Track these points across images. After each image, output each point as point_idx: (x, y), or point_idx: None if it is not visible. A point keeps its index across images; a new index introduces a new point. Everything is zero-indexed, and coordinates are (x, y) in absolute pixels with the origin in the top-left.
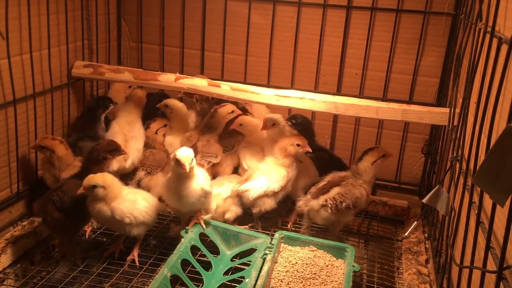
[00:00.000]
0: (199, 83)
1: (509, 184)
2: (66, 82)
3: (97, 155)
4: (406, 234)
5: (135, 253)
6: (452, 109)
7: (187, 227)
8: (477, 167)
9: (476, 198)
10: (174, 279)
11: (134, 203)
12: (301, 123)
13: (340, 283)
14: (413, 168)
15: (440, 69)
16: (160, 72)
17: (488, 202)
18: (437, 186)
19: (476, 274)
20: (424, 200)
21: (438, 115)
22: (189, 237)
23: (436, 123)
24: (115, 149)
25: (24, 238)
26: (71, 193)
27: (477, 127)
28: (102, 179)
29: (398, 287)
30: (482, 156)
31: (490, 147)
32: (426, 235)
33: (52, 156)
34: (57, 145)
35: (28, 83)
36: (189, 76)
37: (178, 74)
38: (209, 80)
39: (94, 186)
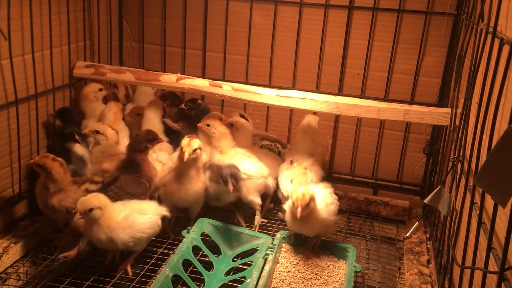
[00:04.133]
0: (201, 84)
1: (510, 185)
2: (68, 83)
3: (139, 145)
4: (407, 235)
5: (128, 264)
6: (454, 109)
7: (188, 227)
8: (479, 168)
9: (477, 199)
10: (176, 279)
11: (134, 225)
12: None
13: (341, 283)
14: (414, 169)
15: (441, 69)
16: (161, 73)
17: (489, 202)
18: (439, 186)
19: (478, 274)
20: (426, 201)
21: (440, 115)
22: (191, 237)
23: (437, 123)
24: (154, 138)
25: (26, 238)
26: (127, 190)
27: (479, 128)
28: (97, 199)
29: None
30: (483, 157)
31: (492, 147)
32: (428, 235)
33: (48, 177)
34: (56, 167)
35: (30, 83)
36: (191, 77)
37: (179, 75)
38: (210, 80)
39: (91, 209)
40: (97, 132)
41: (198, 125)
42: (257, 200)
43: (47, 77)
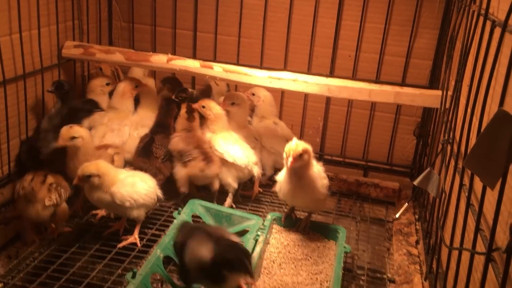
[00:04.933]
0: (191, 65)
1: (499, 167)
2: (57, 63)
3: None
4: (397, 216)
5: (135, 235)
6: (445, 91)
7: (179, 208)
8: (468, 150)
9: (466, 181)
10: (167, 260)
11: (134, 186)
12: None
13: (331, 264)
14: (404, 150)
15: (433, 51)
16: (151, 53)
17: (478, 184)
18: (428, 168)
19: (466, 255)
20: (415, 182)
21: (431, 97)
22: (182, 218)
23: (428, 105)
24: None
25: (16, 219)
26: (166, 146)
27: (469, 110)
28: (96, 167)
29: (388, 268)
30: (473, 139)
31: (482, 130)
32: (417, 216)
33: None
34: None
35: (18, 63)
36: (181, 57)
37: (170, 55)
38: (201, 61)
39: (89, 176)
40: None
41: (193, 106)
42: (234, 184)
43: (35, 57)
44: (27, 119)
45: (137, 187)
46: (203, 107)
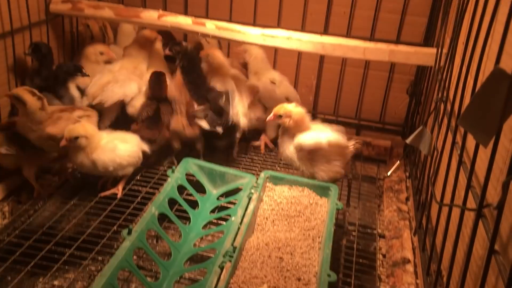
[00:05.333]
0: (183, 21)
1: (493, 125)
2: (45, 19)
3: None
4: (388, 174)
5: (120, 187)
6: (440, 49)
7: (173, 167)
8: (462, 109)
9: (459, 139)
10: (162, 218)
11: (114, 151)
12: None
13: (323, 220)
14: (397, 109)
15: (429, 7)
16: (142, 9)
17: (470, 143)
18: (421, 127)
19: (455, 212)
20: (408, 141)
21: (425, 56)
22: (176, 176)
23: (423, 64)
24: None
25: (9, 177)
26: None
27: (464, 69)
28: (84, 129)
29: (379, 224)
30: (467, 98)
31: (477, 88)
32: (407, 174)
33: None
34: (33, 101)
35: (5, 19)
36: (173, 14)
37: (161, 11)
38: (193, 18)
39: (76, 137)
40: (17, 98)
41: (201, 54)
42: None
43: (23, 13)
44: (16, 77)
45: (118, 150)
46: (208, 56)
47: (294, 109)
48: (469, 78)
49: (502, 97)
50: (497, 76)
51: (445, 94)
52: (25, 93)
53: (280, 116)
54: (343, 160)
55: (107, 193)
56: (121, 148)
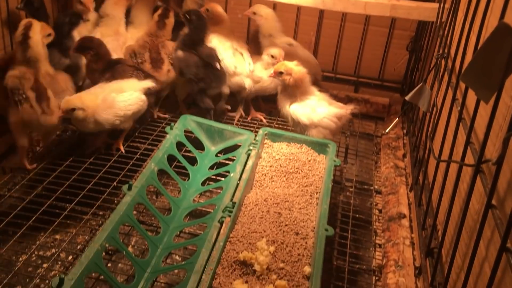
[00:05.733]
0: None
1: (496, 81)
2: None
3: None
4: (387, 131)
5: (119, 141)
6: (442, 4)
7: (172, 124)
8: (464, 65)
9: (459, 96)
10: (161, 174)
11: (114, 105)
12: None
13: (321, 176)
14: (396, 66)
15: None
16: None
17: (470, 99)
18: (421, 83)
19: (453, 168)
20: (407, 98)
21: (427, 10)
22: (174, 133)
23: (424, 19)
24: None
25: (8, 133)
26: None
27: (467, 24)
28: (80, 101)
29: (375, 180)
30: (469, 55)
31: (480, 44)
32: (405, 131)
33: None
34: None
35: None
36: None
37: None
38: None
39: (73, 109)
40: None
41: (200, 10)
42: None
43: None
44: (11, 33)
45: (117, 103)
46: (207, 10)
47: (295, 68)
48: (472, 34)
49: (506, 53)
50: (501, 31)
51: (446, 50)
52: None
53: (280, 73)
54: (338, 126)
55: (115, 146)
56: (119, 100)
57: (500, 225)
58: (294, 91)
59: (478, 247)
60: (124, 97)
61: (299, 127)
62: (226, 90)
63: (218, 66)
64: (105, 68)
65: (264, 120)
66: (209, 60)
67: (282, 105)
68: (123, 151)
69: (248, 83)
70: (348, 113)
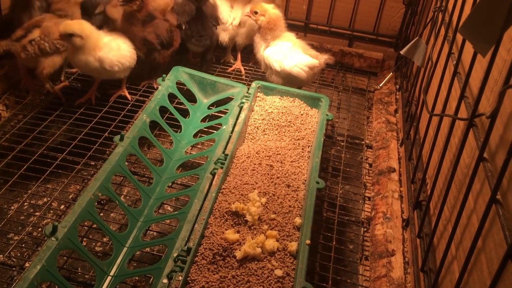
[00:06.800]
0: None
1: (495, 35)
2: None
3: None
4: (380, 86)
5: (125, 90)
6: None
7: (164, 75)
8: (461, 19)
9: (455, 50)
10: (153, 125)
11: (119, 50)
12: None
13: (313, 130)
14: (392, 20)
15: None
16: None
17: (466, 54)
18: (416, 38)
19: (445, 123)
20: (402, 52)
21: None
22: (166, 84)
23: None
24: None
25: None
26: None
27: None
28: (80, 27)
29: (366, 135)
30: (467, 8)
31: None
32: (398, 86)
33: None
34: None
35: None
36: None
37: None
38: None
39: (71, 35)
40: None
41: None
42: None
43: None
44: None
45: (122, 50)
46: None
47: (271, 10)
48: None
49: (506, 5)
50: None
51: (444, 3)
52: None
53: (255, 13)
54: (309, 76)
55: (115, 96)
56: (125, 49)
57: (491, 177)
58: (266, 33)
59: (467, 199)
60: (128, 47)
61: (269, 72)
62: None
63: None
64: (146, 20)
65: (243, 72)
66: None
67: (257, 49)
68: (129, 98)
69: (222, 37)
70: (322, 64)
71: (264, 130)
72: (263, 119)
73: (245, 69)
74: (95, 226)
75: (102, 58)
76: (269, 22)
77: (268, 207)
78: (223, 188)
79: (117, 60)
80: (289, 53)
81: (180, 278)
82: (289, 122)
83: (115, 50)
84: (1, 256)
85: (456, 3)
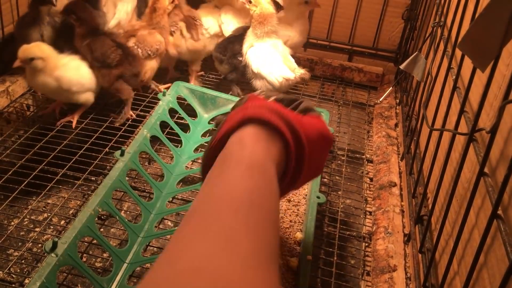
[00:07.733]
0: None
1: (494, 50)
2: None
3: None
4: (380, 100)
5: (75, 116)
6: None
7: (164, 90)
8: (460, 34)
9: (454, 65)
10: (153, 141)
11: (79, 69)
12: None
13: None
14: (391, 35)
15: None
16: None
17: (465, 69)
18: (416, 52)
19: (445, 137)
20: (402, 66)
21: None
22: (167, 99)
23: None
24: None
25: None
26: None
27: None
28: (40, 49)
29: (367, 149)
30: (466, 24)
31: (477, 13)
32: (398, 101)
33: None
34: None
35: None
36: None
37: None
38: None
39: (32, 59)
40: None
41: None
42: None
43: None
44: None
45: (82, 70)
46: None
47: (265, 4)
48: (469, 2)
49: (504, 21)
50: None
51: (442, 19)
52: None
53: (250, 2)
54: (283, 86)
55: (64, 120)
56: (84, 70)
57: (492, 192)
58: (255, 26)
59: (468, 214)
60: (88, 69)
61: (248, 70)
62: None
63: None
64: (87, 34)
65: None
66: None
67: (244, 45)
68: (74, 126)
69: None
70: (297, 78)
71: None
72: None
73: (247, 83)
74: (95, 241)
75: (59, 77)
76: (260, 15)
77: None
78: None
79: (76, 80)
80: (269, 58)
81: None
82: None
83: (73, 69)
84: (1, 272)
85: (455, 19)
